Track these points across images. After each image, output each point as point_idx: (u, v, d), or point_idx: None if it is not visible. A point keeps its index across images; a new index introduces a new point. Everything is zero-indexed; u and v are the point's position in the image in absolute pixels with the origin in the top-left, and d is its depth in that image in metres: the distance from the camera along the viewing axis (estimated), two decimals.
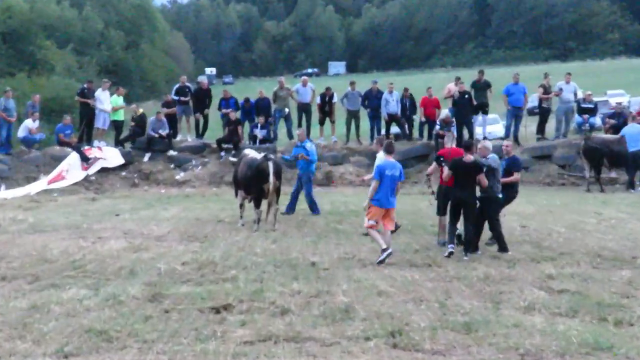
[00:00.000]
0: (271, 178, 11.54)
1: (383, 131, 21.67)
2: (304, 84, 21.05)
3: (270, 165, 11.57)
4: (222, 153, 20.46)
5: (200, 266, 8.70)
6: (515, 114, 20.09)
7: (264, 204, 12.17)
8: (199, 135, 21.65)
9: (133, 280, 8.01)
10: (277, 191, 12.03)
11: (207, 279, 8.04)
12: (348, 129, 21.34)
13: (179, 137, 21.60)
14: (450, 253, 9.26)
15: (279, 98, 20.82)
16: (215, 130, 23.45)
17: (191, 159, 20.76)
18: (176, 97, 21.28)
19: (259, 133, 20.39)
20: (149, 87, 62.39)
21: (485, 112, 20.53)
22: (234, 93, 22.50)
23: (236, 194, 13.03)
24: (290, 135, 21.24)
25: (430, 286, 7.67)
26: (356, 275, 8.19)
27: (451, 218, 9.52)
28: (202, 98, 21.25)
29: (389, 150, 9.35)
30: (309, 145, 14.10)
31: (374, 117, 20.88)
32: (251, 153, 12.61)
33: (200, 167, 20.44)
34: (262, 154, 12.03)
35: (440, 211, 10.24)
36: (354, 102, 20.87)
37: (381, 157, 9.72)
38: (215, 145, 20.73)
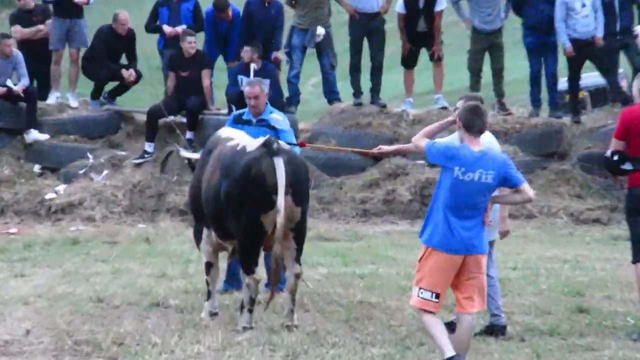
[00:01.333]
0: (281, 198, 11.53)
1: (561, 84, 21.66)
2: None
3: (280, 164, 11.58)
4: (148, 148, 21.04)
5: None
6: None
7: (263, 261, 12.29)
8: (105, 94, 22.31)
9: None
10: (299, 231, 12.10)
11: None
12: (475, 78, 21.83)
13: (52, 98, 22.28)
14: None
15: (303, 3, 21.36)
16: (146, 84, 23.61)
17: (84, 150, 21.28)
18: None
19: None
20: None
21: None
22: None
23: (197, 239, 13.13)
24: (329, 92, 22.07)
25: None
26: None
27: None
28: (116, 52, 22.22)
29: (471, 126, 9.83)
30: (276, 117, 13.65)
31: (541, 49, 21.32)
32: (235, 137, 12.64)
33: (105, 173, 20.93)
34: (260, 140, 12.06)
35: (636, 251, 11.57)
36: (487, 14, 21.30)
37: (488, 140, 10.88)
38: (144, 121, 21.39)
